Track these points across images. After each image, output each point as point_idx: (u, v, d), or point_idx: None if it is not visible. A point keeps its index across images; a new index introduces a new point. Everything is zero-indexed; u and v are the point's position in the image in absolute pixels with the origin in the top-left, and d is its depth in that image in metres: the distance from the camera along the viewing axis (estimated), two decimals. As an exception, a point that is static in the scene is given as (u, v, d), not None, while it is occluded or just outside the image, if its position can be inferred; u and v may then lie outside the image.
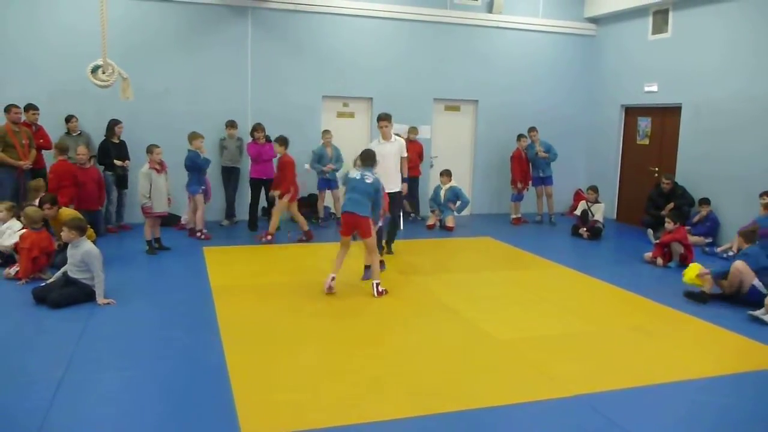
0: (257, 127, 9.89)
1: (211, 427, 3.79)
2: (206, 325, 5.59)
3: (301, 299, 6.52)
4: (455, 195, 10.92)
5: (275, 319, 5.86)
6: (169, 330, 5.47)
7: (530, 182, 11.64)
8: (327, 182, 10.66)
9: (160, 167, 8.19)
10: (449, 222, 10.73)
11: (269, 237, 9.10)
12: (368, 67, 11.28)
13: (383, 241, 8.32)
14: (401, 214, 8.49)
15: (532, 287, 7.29)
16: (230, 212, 10.50)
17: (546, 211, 11.79)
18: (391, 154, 7.90)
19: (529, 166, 11.60)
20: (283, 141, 9.11)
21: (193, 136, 9.05)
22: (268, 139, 9.96)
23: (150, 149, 8.21)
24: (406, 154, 8.16)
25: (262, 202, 10.27)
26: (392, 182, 7.94)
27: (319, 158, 10.48)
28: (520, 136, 11.52)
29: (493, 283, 7.45)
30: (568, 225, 11.00)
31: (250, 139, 10.08)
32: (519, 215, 11.62)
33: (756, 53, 9.36)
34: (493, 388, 4.52)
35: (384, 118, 7.93)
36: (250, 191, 10.14)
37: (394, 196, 8.08)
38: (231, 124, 10.31)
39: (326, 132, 10.64)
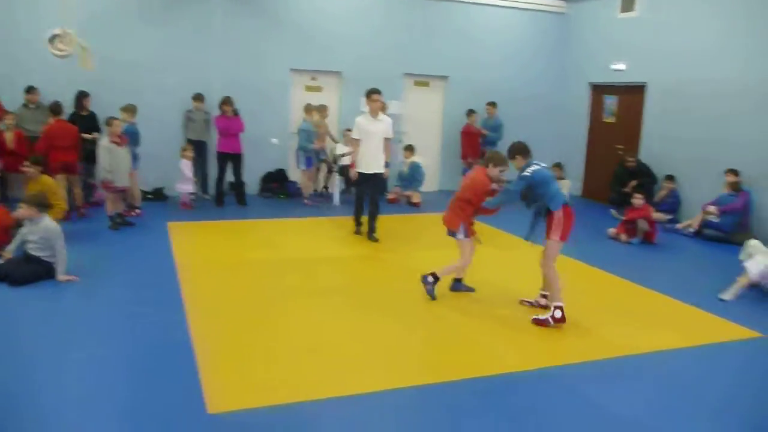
0: (226, 101, 9.71)
1: (177, 405, 3.76)
2: (171, 301, 5.51)
3: (270, 276, 6.48)
4: (413, 171, 10.93)
5: (243, 296, 5.82)
6: (134, 307, 5.38)
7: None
8: (311, 160, 10.43)
9: (120, 140, 8.00)
10: (415, 198, 10.76)
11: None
12: (338, 41, 11.12)
13: (358, 223, 8.14)
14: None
15: (503, 263, 7.38)
16: (204, 186, 10.36)
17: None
18: (379, 132, 7.68)
19: (479, 141, 11.77)
20: (51, 108, 8.38)
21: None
22: (236, 113, 9.79)
23: (109, 122, 7.97)
24: (392, 135, 7.93)
25: (230, 177, 10.11)
26: (378, 163, 7.76)
27: (308, 135, 10.27)
28: (469, 111, 11.65)
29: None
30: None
31: (218, 113, 9.89)
32: None
33: (721, 34, 9.50)
34: (468, 362, 4.58)
35: (377, 92, 7.62)
36: (217, 166, 9.97)
37: (378, 178, 7.92)
38: (198, 97, 10.11)
39: (322, 107, 10.46)
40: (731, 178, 8.93)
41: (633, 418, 3.87)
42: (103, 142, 7.94)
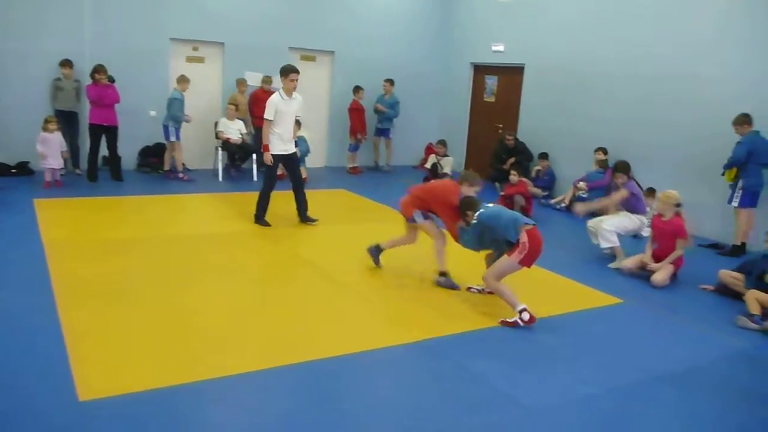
0: (98, 69, 9.09)
1: (46, 394, 3.53)
2: (39, 284, 5.16)
3: (147, 255, 6.22)
4: (299, 145, 10.83)
5: (118, 276, 5.54)
6: (-5, 290, 5.00)
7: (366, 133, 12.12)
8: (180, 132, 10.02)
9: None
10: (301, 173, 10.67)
11: None
12: (221, 10, 10.71)
13: (265, 211, 7.59)
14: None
15: (385, 238, 7.46)
16: (75, 161, 9.68)
17: (381, 162, 12.51)
18: (293, 111, 7.35)
19: (365, 117, 11.96)
20: None
21: None
22: (111, 80, 9.21)
23: None
24: (302, 114, 7.67)
25: (103, 151, 9.53)
26: (293, 143, 7.50)
27: (181, 106, 9.83)
28: (356, 88, 11.77)
29: (349, 235, 7.54)
30: (417, 177, 11.34)
31: (89, 81, 9.25)
32: (356, 164, 12.01)
33: (592, 17, 10.06)
34: (348, 337, 4.62)
35: (296, 71, 7.23)
36: (89, 138, 9.35)
37: (295, 158, 7.61)
38: (66, 63, 9.40)
39: (184, 78, 9.95)
40: (600, 156, 9.56)
41: (509, 384, 4.09)
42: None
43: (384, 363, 4.28)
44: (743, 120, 7.58)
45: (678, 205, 6.50)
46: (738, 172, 7.60)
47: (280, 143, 7.35)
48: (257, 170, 10.65)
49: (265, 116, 7.27)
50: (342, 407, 3.67)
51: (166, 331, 4.49)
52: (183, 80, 9.87)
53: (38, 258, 5.80)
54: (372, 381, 4.05)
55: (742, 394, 4.25)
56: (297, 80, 7.26)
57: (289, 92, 7.28)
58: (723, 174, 7.80)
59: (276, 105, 7.22)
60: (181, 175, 10.01)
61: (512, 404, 3.84)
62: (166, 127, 9.84)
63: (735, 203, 7.63)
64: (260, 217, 7.60)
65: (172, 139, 9.89)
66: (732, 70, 8.22)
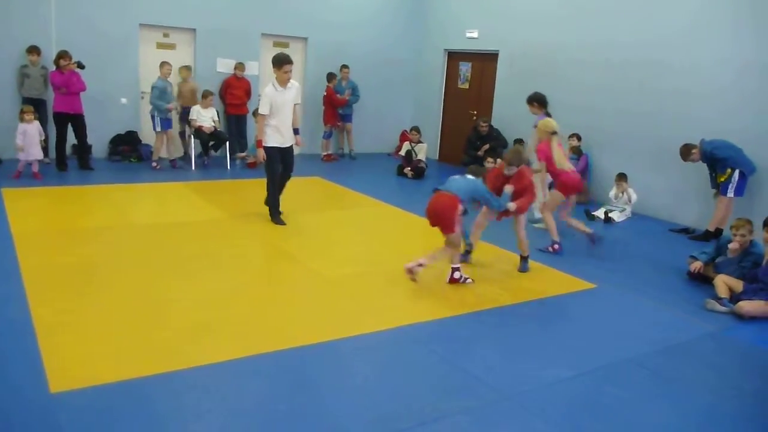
0: (62, 55, 8.89)
1: (16, 386, 3.48)
2: (8, 274, 5.07)
3: (120, 245, 6.13)
4: None
5: (89, 267, 5.46)
6: (-38, 282, 4.89)
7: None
8: (168, 122, 9.87)
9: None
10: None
11: None
12: (191, -5, 10.57)
13: (278, 210, 7.34)
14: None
15: (360, 225, 7.49)
16: (44, 150, 9.47)
17: (346, 149, 12.51)
18: (289, 101, 7.04)
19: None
20: None
21: None
22: (81, 66, 9.00)
23: None
24: (300, 101, 7.32)
25: (72, 140, 9.35)
26: (290, 134, 7.19)
27: (161, 94, 9.65)
28: (330, 75, 11.67)
29: (323, 222, 7.52)
30: (392, 165, 11.35)
31: (53, 68, 9.05)
32: (330, 152, 11.98)
33: (561, 5, 10.10)
34: (324, 324, 4.61)
35: (290, 62, 6.90)
36: (55, 127, 9.16)
37: (291, 150, 7.32)
38: (33, 50, 9.19)
39: (164, 64, 9.78)
40: (574, 142, 9.63)
41: (483, 369, 4.13)
42: None
43: (359, 350, 4.29)
44: (688, 148, 7.78)
45: (554, 133, 6.73)
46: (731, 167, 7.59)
47: (277, 135, 7.05)
48: (231, 159, 10.58)
49: (260, 111, 6.98)
50: (318, 394, 3.67)
51: (140, 321, 4.44)
52: (162, 66, 9.73)
53: (7, 248, 5.69)
54: (348, 368, 4.05)
55: (712, 374, 4.34)
56: (291, 71, 6.95)
57: (283, 83, 6.97)
58: (717, 187, 7.76)
59: (270, 98, 6.90)
60: (154, 164, 9.87)
61: (487, 389, 3.87)
62: (153, 117, 9.71)
63: (731, 194, 7.59)
64: (274, 216, 7.30)
65: (157, 129, 9.73)
66: (715, 58, 8.19)
